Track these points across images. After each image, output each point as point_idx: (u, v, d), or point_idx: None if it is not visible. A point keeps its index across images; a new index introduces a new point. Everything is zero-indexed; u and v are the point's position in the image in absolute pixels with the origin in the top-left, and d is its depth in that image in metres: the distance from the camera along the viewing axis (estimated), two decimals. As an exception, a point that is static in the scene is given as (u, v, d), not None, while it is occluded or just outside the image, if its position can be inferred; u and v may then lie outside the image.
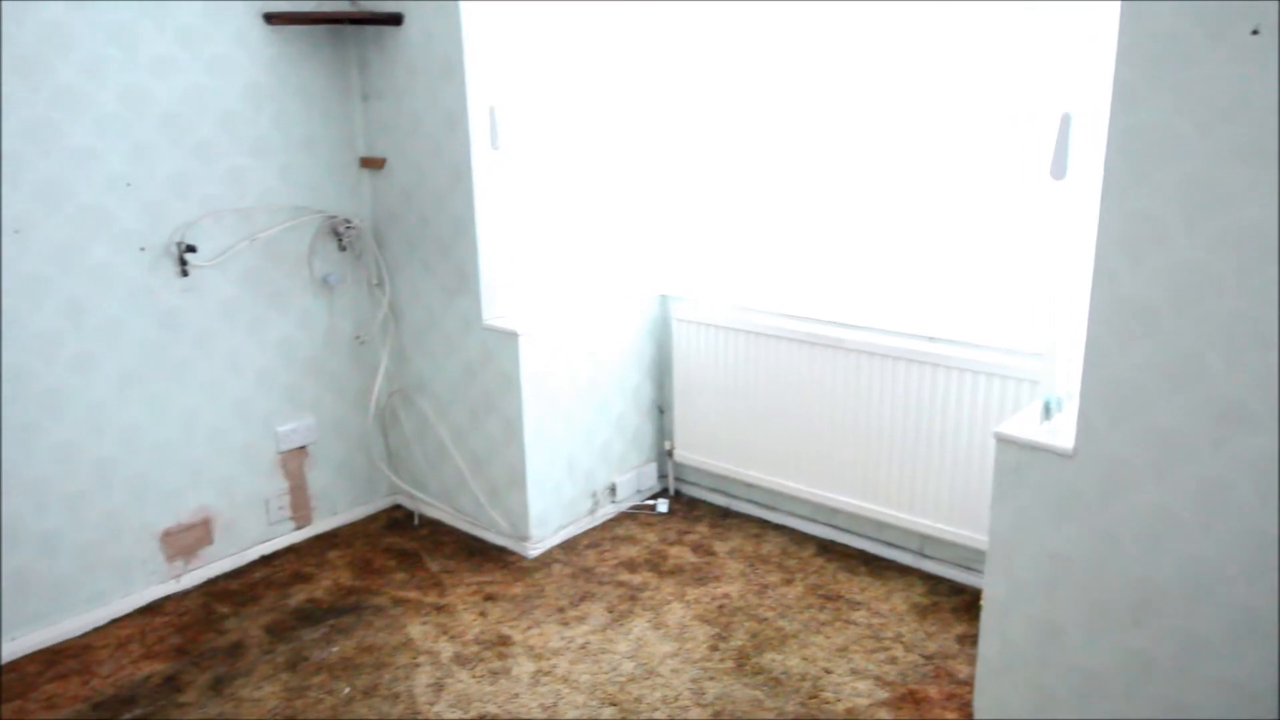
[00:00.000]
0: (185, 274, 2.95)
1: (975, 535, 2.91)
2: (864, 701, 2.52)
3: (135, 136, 2.78)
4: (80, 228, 2.72)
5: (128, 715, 2.52)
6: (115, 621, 2.97)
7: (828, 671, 2.65)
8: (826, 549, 3.32)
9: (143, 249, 2.86)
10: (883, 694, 2.54)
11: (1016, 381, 2.75)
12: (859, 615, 2.91)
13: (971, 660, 2.64)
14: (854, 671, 2.64)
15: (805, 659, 2.71)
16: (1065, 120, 2.05)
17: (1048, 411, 2.18)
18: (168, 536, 3.08)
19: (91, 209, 2.73)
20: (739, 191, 3.40)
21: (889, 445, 3.06)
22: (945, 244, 2.93)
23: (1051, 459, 2.05)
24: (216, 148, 2.98)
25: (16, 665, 2.75)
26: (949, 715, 2.45)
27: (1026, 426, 2.14)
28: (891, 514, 3.11)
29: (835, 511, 3.32)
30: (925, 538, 3.10)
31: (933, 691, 2.55)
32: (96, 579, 2.93)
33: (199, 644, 2.84)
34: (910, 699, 2.52)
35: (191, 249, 2.93)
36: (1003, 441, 2.13)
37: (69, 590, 2.87)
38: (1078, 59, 1.98)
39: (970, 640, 2.74)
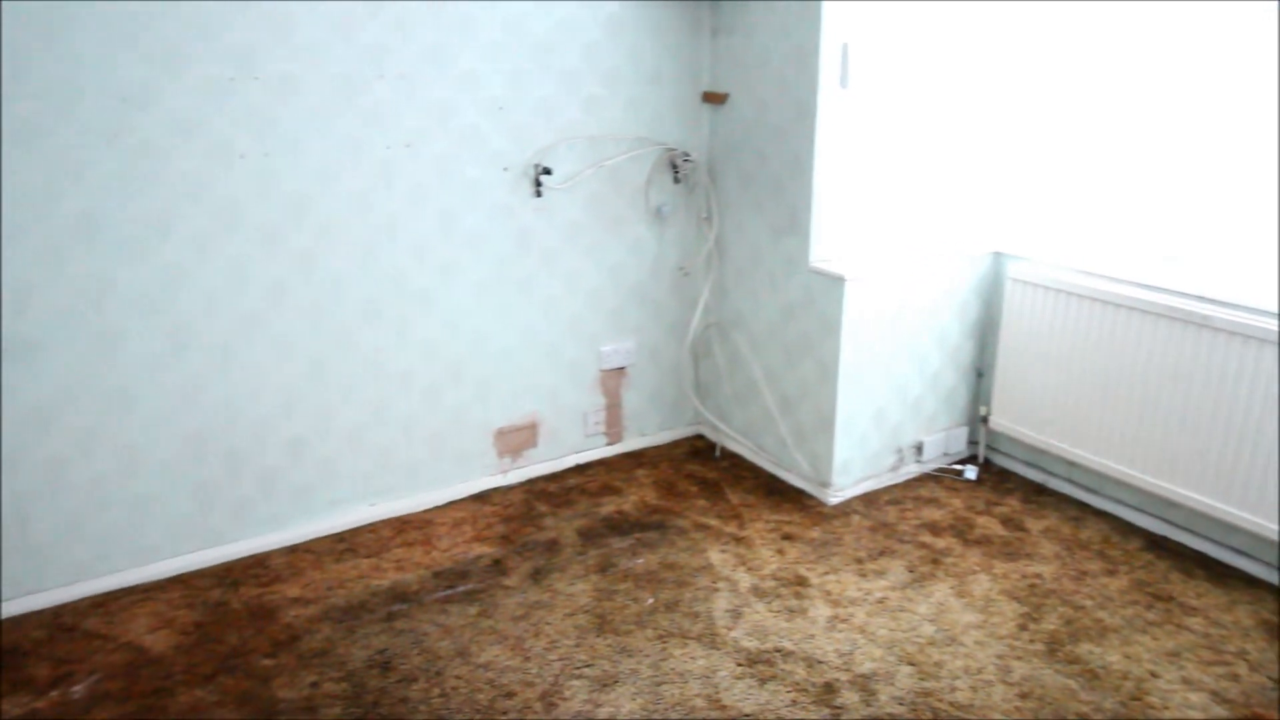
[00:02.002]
0: (539, 195, 3.17)
1: (1353, 557, 2.54)
2: (1197, 715, 2.29)
3: (513, 63, 3.00)
4: (459, 145, 2.98)
5: (462, 586, 2.82)
6: (452, 504, 3.31)
7: (1154, 675, 2.44)
8: (1157, 544, 3.04)
9: (506, 169, 3.09)
10: (1220, 711, 2.30)
11: None
12: (1194, 622, 2.64)
13: (1336, 695, 2.33)
14: (1185, 681, 2.41)
15: (1127, 657, 2.51)
16: None
17: None
18: (500, 435, 3.38)
19: (470, 129, 2.99)
20: (1094, 145, 3.11)
21: (1252, 439, 2.72)
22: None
23: None
24: (578, 77, 3.14)
25: (375, 528, 3.15)
26: (1303, 749, 2.18)
27: None
28: (1244, 517, 2.77)
29: (1171, 505, 3.02)
30: (1285, 550, 2.75)
31: (1282, 720, 2.28)
32: (440, 463, 3.27)
33: (521, 535, 3.11)
34: (1254, 722, 2.27)
35: (548, 171, 3.14)
36: None
37: (419, 470, 3.23)
38: None
39: (1335, 672, 2.42)
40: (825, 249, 3.17)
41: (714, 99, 3.40)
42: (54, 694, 2.36)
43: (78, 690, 2.38)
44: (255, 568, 2.92)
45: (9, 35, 2.29)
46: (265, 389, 2.87)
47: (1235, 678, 2.42)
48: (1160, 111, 2.95)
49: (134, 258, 2.58)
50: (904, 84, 3.13)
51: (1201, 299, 2.84)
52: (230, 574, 2.88)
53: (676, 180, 3.46)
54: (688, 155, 3.42)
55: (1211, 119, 2.82)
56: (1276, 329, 2.63)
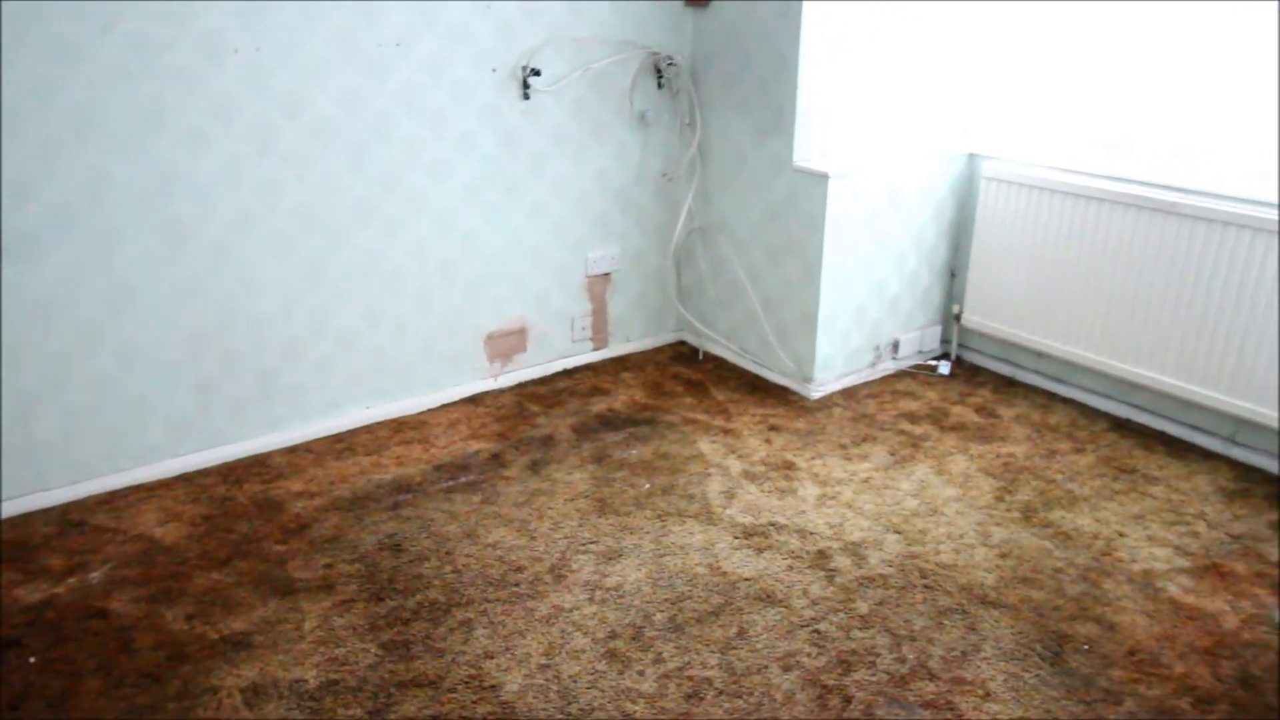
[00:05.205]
0: (527, 97, 3.20)
1: (1303, 424, 2.73)
2: (1162, 566, 2.47)
3: (499, -40, 3.01)
4: (448, 44, 2.99)
5: (464, 478, 2.91)
6: (446, 406, 3.38)
7: (1121, 534, 2.61)
8: (1121, 426, 3.22)
9: (494, 70, 3.11)
10: (1183, 562, 2.49)
11: (1386, 260, 2.51)
12: (1157, 490, 2.83)
13: (1287, 545, 2.53)
14: (1151, 538, 2.59)
15: (1097, 520, 2.68)
16: None
17: None
18: (490, 339, 3.44)
19: (457, 27, 2.99)
20: (1064, 42, 3.22)
21: (1213, 319, 2.89)
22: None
23: None
24: (563, -24, 3.16)
25: (371, 429, 3.21)
26: (1259, 591, 2.37)
27: None
28: (1203, 393, 2.95)
29: (1134, 387, 3.20)
30: (1240, 422, 2.94)
31: (1239, 567, 2.46)
32: (433, 366, 3.33)
33: (516, 432, 3.19)
34: (1213, 571, 2.45)
35: (536, 73, 3.16)
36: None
37: (412, 372, 3.29)
38: None
39: (1286, 527, 2.61)
40: (809, 150, 3.26)
41: (697, 1, 3.44)
42: (71, 580, 2.42)
43: (95, 576, 2.43)
44: (257, 466, 2.97)
45: (-4, -81, 2.26)
46: (261, 289, 2.89)
47: (1195, 535, 2.61)
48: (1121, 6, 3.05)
49: (130, 153, 2.57)
50: (883, -15, 3.20)
51: (1165, 187, 2.98)
52: (233, 472, 2.93)
53: (660, 85, 3.51)
54: (671, 59, 3.46)
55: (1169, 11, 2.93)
56: (1235, 213, 2.78)
